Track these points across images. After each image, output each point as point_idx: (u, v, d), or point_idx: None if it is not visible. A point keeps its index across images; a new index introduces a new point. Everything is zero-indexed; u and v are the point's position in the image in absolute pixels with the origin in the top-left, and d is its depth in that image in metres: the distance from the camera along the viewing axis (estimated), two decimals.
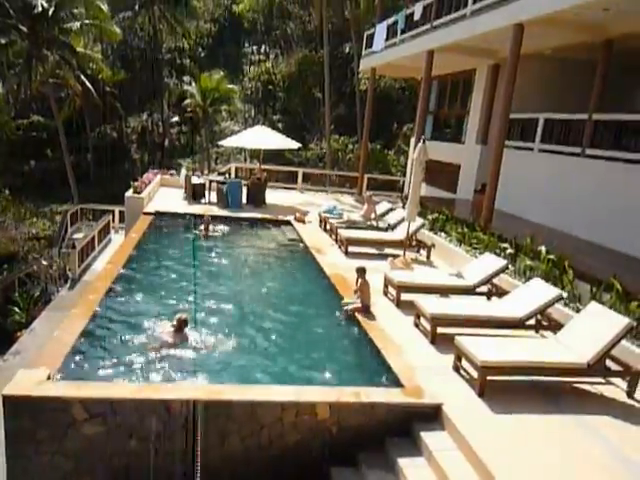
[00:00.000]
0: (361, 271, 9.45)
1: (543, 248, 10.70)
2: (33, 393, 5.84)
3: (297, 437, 6.20)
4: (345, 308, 9.29)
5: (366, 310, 9.18)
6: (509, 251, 11.45)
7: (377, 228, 15.33)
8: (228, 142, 20.72)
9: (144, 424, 5.93)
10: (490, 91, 18.87)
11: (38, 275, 20.22)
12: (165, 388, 6.39)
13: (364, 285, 9.32)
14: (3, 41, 30.42)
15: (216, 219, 15.71)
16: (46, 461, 5.88)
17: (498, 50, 16.85)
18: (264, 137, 19.70)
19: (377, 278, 10.51)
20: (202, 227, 14.72)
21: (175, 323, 7.95)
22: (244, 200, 18.88)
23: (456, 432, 5.93)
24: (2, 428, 5.88)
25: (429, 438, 6.02)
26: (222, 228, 15.43)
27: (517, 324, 8.38)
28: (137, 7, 40.69)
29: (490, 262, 10.40)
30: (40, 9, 29.15)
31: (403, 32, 19.72)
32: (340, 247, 13.85)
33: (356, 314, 9.07)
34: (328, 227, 15.68)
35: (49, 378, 6.16)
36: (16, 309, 17.87)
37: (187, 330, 8.00)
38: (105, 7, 32.10)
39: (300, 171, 26.81)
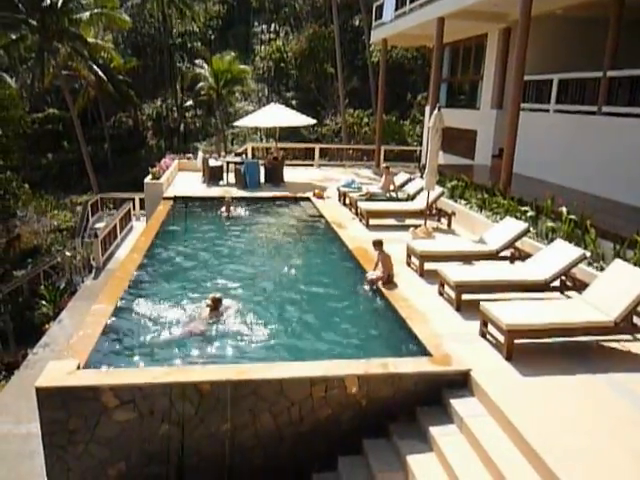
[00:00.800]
0: (378, 244, 9.47)
1: (564, 209, 10.52)
2: (64, 383, 5.91)
3: (328, 412, 6.22)
4: (368, 278, 9.35)
5: (389, 281, 9.18)
6: (530, 214, 11.29)
7: (397, 199, 15.24)
8: (243, 122, 20.71)
9: (175, 407, 6.00)
10: (503, 55, 18.52)
11: (62, 266, 20.53)
12: (193, 370, 6.42)
13: (385, 257, 9.34)
14: (14, 36, 30.45)
15: (236, 200, 15.74)
16: (81, 450, 5.97)
17: (509, 13, 16.54)
18: (279, 115, 19.61)
19: (399, 249, 10.48)
20: (223, 209, 14.78)
21: (210, 302, 8.14)
22: (262, 179, 18.86)
23: (486, 397, 5.91)
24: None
25: (459, 405, 6.01)
26: (242, 209, 15.47)
27: (542, 286, 8.30)
28: None
29: (511, 226, 10.29)
30: (49, 2, 29.08)
31: (412, 1, 19.39)
32: (361, 220, 13.80)
33: (380, 285, 9.09)
34: (347, 201, 15.64)
35: (79, 368, 6.23)
36: (43, 302, 18.18)
37: (221, 308, 8.21)
38: None
39: (317, 147, 26.68)
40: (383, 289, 8.92)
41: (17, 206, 23.19)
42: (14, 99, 23.02)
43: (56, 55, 31.23)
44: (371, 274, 9.41)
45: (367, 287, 9.29)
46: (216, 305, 8.14)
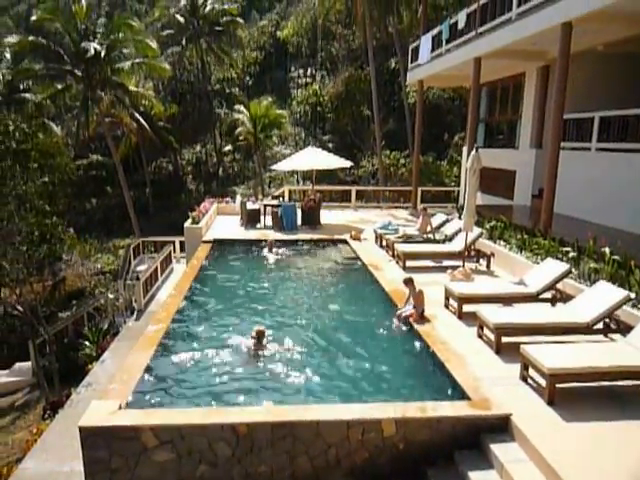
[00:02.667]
0: (409, 281, 9.79)
1: (607, 249, 10.35)
2: (106, 423, 6.03)
3: (365, 455, 6.17)
4: (400, 314, 9.54)
5: (421, 316, 9.36)
6: (572, 255, 11.12)
7: (434, 241, 15.19)
8: (280, 166, 21.00)
9: (212, 448, 6.02)
10: (541, 93, 18.49)
11: (105, 308, 20.94)
12: (231, 411, 6.45)
13: (417, 293, 9.53)
14: (60, 86, 31.90)
15: (275, 242, 15.95)
16: None
17: (547, 51, 16.51)
18: (315, 158, 19.87)
19: (437, 291, 10.43)
20: (266, 250, 15.02)
21: (254, 334, 8.58)
22: (299, 222, 19.04)
23: (527, 443, 5.78)
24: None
25: (499, 450, 5.89)
26: (281, 251, 15.64)
27: (584, 329, 8.13)
28: (184, 42, 42.05)
29: (552, 267, 10.15)
30: (93, 52, 30.40)
31: (448, 42, 19.62)
32: (397, 262, 13.78)
33: (413, 323, 9.23)
34: (384, 243, 15.64)
35: (120, 408, 6.35)
36: (86, 343, 18.53)
37: (264, 341, 8.63)
38: (154, 44, 33.17)
39: (353, 189, 26.86)
40: (419, 329, 8.86)
41: (62, 250, 23.81)
42: (60, 147, 23.89)
43: (99, 103, 32.44)
44: (403, 310, 9.59)
45: (398, 323, 9.50)
46: (259, 337, 8.55)
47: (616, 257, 10.07)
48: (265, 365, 8.10)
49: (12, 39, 31.57)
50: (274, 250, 15.29)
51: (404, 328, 9.36)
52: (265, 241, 15.93)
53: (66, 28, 31.33)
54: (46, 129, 29.09)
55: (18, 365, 19.82)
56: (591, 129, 15.14)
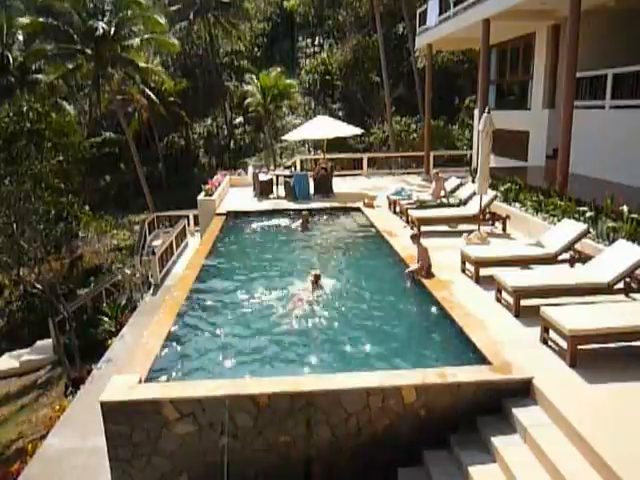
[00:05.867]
0: (415, 237, 10.30)
1: (625, 207, 10.15)
2: (127, 397, 6.06)
3: (386, 422, 6.15)
4: (407, 270, 10.03)
5: (427, 272, 9.70)
6: (589, 214, 10.92)
7: (448, 205, 15.02)
8: (291, 136, 20.84)
9: (234, 420, 6.04)
10: (553, 53, 18.11)
11: (123, 284, 21.11)
12: (250, 383, 6.45)
13: (422, 249, 9.95)
14: (71, 66, 31.84)
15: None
16: (144, 462, 6.09)
17: (557, 10, 16.11)
18: (325, 127, 19.69)
19: (453, 255, 10.34)
20: (299, 222, 15.00)
21: (312, 278, 9.76)
22: (312, 191, 18.93)
23: (550, 406, 5.72)
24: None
25: (522, 414, 5.84)
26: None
27: (605, 289, 7.98)
28: (192, 16, 41.59)
29: (570, 227, 9.97)
30: (102, 31, 30.31)
31: (456, 4, 19.18)
32: (412, 228, 13.66)
33: (419, 277, 9.70)
34: (398, 209, 15.51)
35: (140, 382, 6.37)
36: (105, 318, 18.72)
37: (320, 282, 9.79)
38: (163, 20, 32.86)
39: (365, 156, 26.64)
40: (439, 297, 8.78)
41: (79, 227, 24.03)
42: (73, 125, 23.89)
43: (110, 81, 32.40)
44: (410, 268, 10.03)
45: (406, 277, 9.94)
46: (317, 279, 9.74)
47: (634, 215, 9.88)
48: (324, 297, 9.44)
49: (24, 20, 31.41)
50: (308, 225, 14.88)
51: (408, 284, 9.83)
52: (299, 214, 15.45)
53: (75, 7, 31.12)
54: (59, 108, 29.15)
55: (39, 343, 20.12)
56: (604, 87, 14.80)
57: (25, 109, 19.07)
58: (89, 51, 31.25)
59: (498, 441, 5.72)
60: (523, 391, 6.14)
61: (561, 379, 6.16)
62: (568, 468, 5.00)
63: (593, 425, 5.26)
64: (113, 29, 31.30)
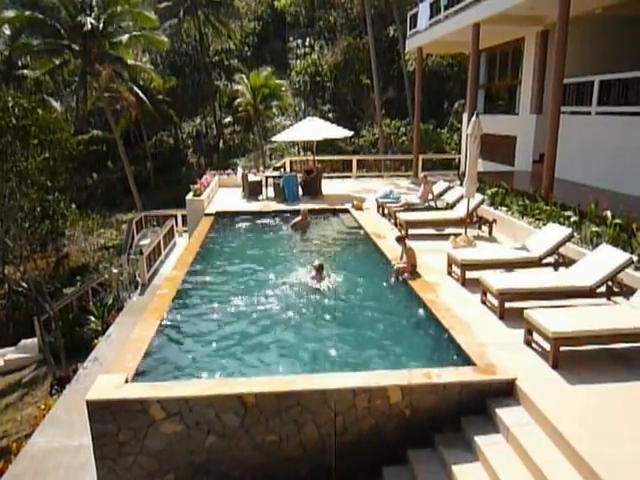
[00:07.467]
0: (401, 239, 10.49)
1: (609, 213, 10.31)
2: (113, 396, 6.07)
3: (371, 422, 6.22)
4: (395, 267, 10.21)
5: (413, 271, 9.89)
6: (573, 219, 11.08)
7: (436, 208, 15.15)
8: (280, 137, 20.86)
9: (221, 420, 6.08)
10: (541, 58, 18.29)
11: (110, 283, 21.03)
12: (238, 382, 6.48)
13: (408, 250, 10.13)
14: (58, 62, 31.60)
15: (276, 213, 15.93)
16: (131, 461, 6.10)
17: (546, 16, 16.34)
18: (315, 128, 19.71)
19: (440, 258, 10.44)
20: (296, 220, 14.83)
21: (316, 265, 10.22)
22: (300, 192, 18.98)
23: (532, 406, 5.83)
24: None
25: (505, 414, 5.93)
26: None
27: (587, 292, 8.13)
28: (181, 14, 41.44)
29: (554, 232, 10.12)
30: (89, 27, 30.01)
31: (446, 8, 19.33)
32: (400, 230, 13.74)
33: (405, 277, 9.88)
34: (386, 212, 15.60)
35: (127, 381, 6.40)
36: (92, 318, 18.64)
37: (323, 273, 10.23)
38: (153, 15, 32.70)
39: (354, 158, 26.72)
40: (425, 299, 8.87)
41: (65, 226, 23.88)
42: (60, 122, 23.71)
43: (98, 78, 32.11)
44: (397, 264, 10.24)
45: (393, 278, 10.13)
46: (319, 269, 10.17)
47: (618, 220, 10.04)
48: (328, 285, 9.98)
49: (9, 13, 31.13)
50: (307, 230, 14.83)
51: (393, 280, 10.10)
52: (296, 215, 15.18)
53: (62, 2, 30.85)
54: (45, 105, 28.83)
55: (24, 342, 20.02)
56: (591, 93, 15.01)
57: (11, 105, 18.90)
58: (76, 47, 30.99)
59: (481, 440, 5.81)
60: (506, 392, 6.24)
61: (544, 380, 6.27)
62: (548, 465, 5.10)
63: (574, 425, 5.36)
64: (101, 25, 31.03)
